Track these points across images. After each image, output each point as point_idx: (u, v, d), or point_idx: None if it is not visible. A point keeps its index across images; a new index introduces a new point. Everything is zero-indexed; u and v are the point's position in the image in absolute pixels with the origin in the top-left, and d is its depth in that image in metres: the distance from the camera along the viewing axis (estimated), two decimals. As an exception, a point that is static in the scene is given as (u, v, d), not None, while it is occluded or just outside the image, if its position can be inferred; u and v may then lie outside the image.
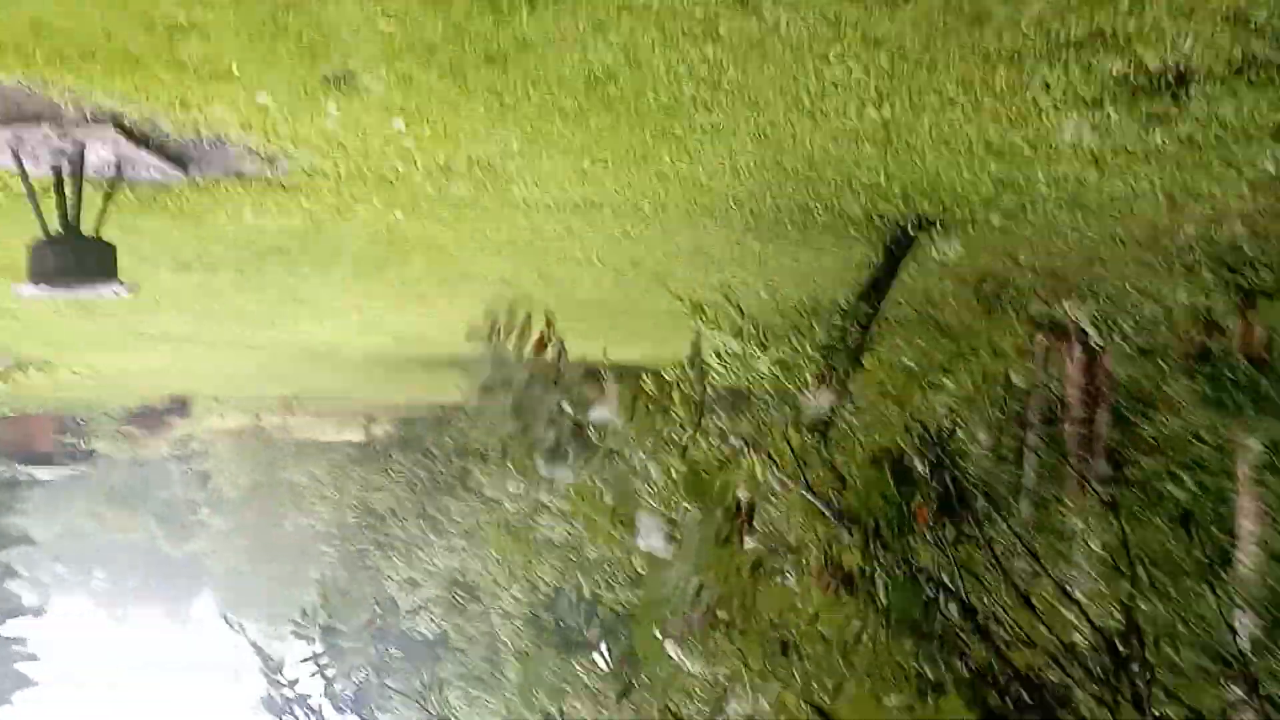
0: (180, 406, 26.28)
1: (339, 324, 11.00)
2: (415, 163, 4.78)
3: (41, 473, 27.71)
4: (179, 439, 35.99)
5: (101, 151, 4.38)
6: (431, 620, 15.53)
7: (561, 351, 2.53)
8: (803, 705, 2.41)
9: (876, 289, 5.51)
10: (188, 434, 35.61)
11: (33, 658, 30.48)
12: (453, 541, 13.60)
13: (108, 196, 4.64)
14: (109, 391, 20.33)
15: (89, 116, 4.06)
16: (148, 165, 4.55)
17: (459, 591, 15.06)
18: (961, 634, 2.41)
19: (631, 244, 6.69)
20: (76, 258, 4.37)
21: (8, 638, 30.35)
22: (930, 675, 2.32)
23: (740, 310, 5.55)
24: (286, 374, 18.41)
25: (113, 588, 61.78)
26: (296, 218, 5.84)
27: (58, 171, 4.52)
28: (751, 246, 6.52)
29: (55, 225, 4.50)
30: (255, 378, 19.03)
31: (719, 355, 11.50)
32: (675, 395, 3.03)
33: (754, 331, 5.72)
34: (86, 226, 4.58)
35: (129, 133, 4.19)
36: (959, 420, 7.82)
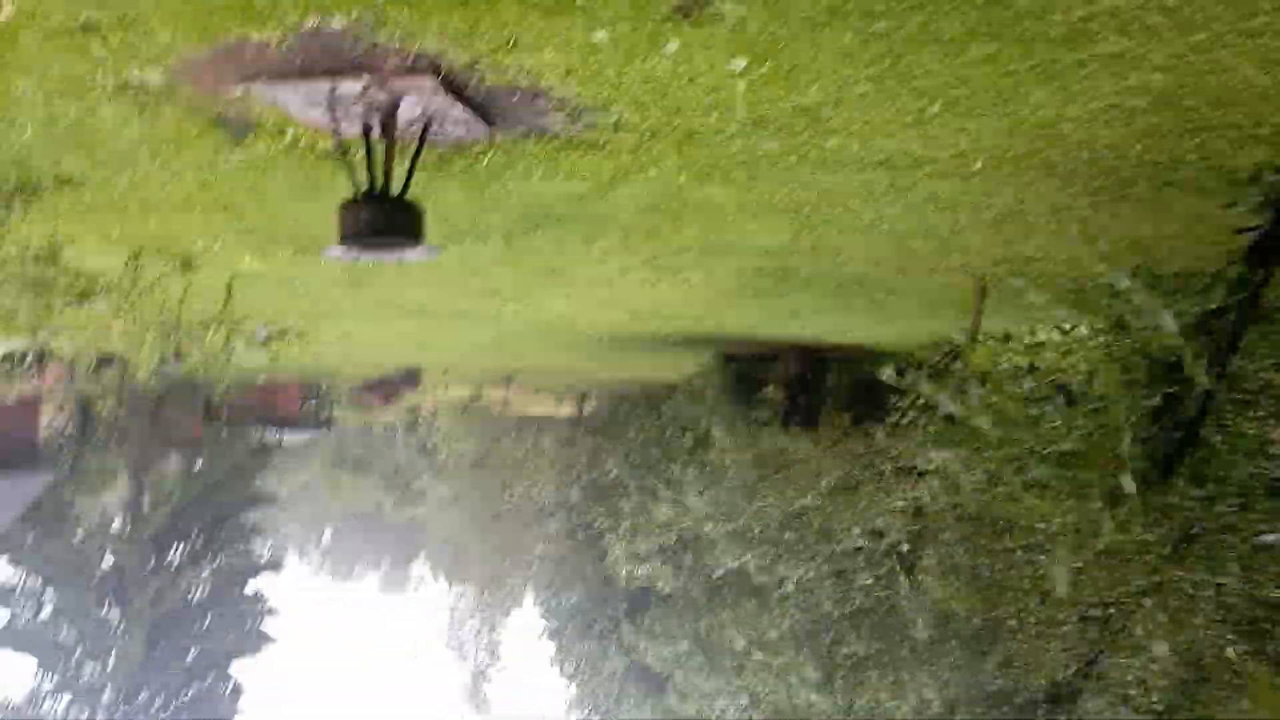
0: (412, 377, 27.43)
1: (584, 298, 10.83)
2: (733, 113, 4.31)
3: (287, 437, 29.70)
4: (407, 409, 37.90)
5: (414, 106, 4.13)
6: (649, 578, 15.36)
7: None
8: None
9: (1258, 256, 4.62)
10: (415, 404, 37.44)
11: (272, 612, 32.77)
12: (680, 511, 13.28)
13: (415, 157, 4.41)
14: (352, 362, 21.33)
15: (409, 64, 3.80)
16: (456, 120, 4.28)
17: (678, 553, 14.82)
18: None
19: (934, 210, 6.01)
20: (387, 218, 4.15)
21: (250, 595, 32.70)
22: None
23: (1113, 290, 4.73)
24: (516, 349, 18.71)
25: (340, 548, 66.26)
26: (584, 181, 5.51)
27: (367, 129, 4.31)
28: (1079, 210, 5.70)
29: (364, 185, 4.31)
30: (486, 352, 19.46)
31: (1004, 336, 10.55)
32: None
33: (1114, 306, 4.91)
34: (394, 188, 4.36)
35: (447, 83, 3.91)
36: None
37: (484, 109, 4.28)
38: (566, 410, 36.68)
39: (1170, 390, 4.64)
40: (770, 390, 19.43)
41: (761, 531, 8.41)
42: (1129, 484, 3.95)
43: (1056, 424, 4.45)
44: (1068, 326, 9.13)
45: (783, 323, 12.45)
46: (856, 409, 18.65)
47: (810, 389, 17.57)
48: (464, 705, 41.40)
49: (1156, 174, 4.85)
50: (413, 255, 4.44)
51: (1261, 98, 3.76)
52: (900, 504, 7.64)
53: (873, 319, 11.38)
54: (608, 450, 16.98)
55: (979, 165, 4.92)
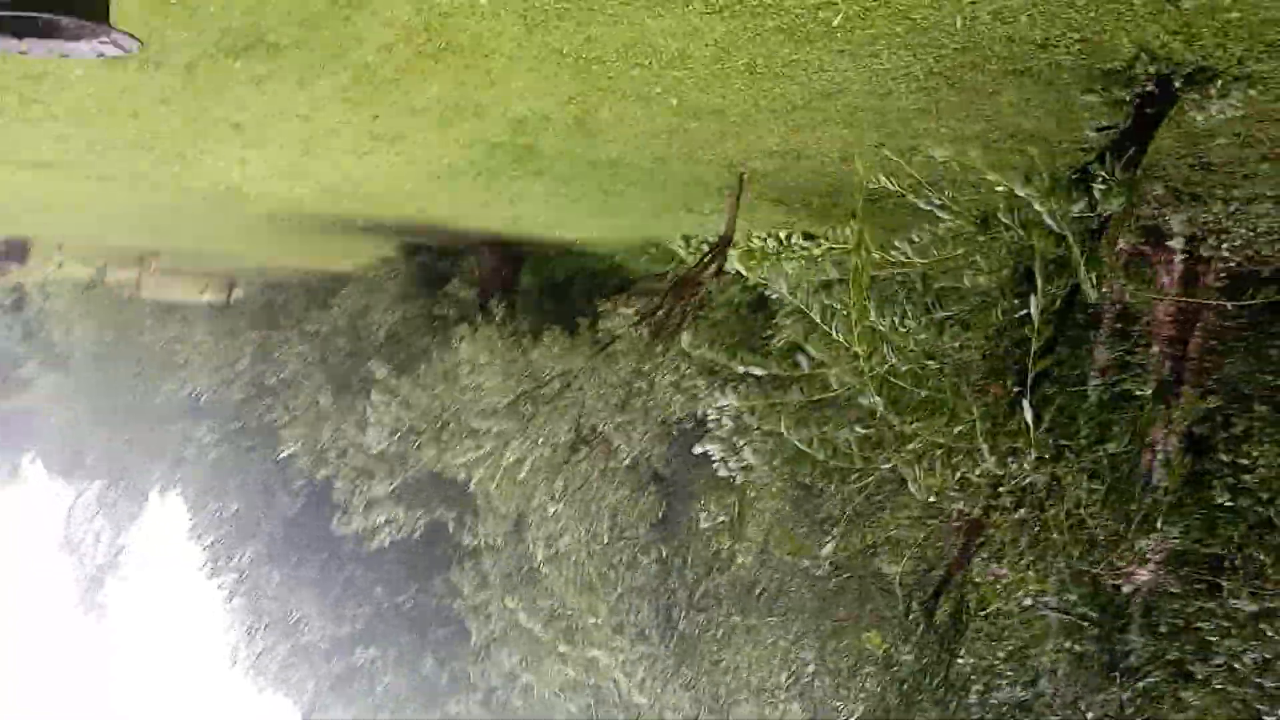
0: (18, 249, 23.07)
1: (268, 164, 9.02)
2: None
3: None
4: (9, 287, 32.34)
5: None
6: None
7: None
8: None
9: (1118, 158, 4.21)
10: (19, 282, 32.01)
11: None
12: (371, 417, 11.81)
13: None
14: (-61, 226, 17.24)
15: None
16: None
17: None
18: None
19: (745, 81, 5.15)
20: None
21: None
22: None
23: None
24: (164, 223, 15.99)
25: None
26: (328, -13, 4.07)
27: None
28: (904, 96, 5.10)
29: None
30: (121, 224, 16.52)
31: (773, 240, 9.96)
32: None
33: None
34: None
35: None
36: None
37: None
38: (209, 296, 32.92)
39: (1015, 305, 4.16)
40: (456, 286, 18.16)
41: (550, 458, 7.28)
42: (1028, 413, 3.39)
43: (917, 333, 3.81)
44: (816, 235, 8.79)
45: (496, 212, 11.26)
46: (548, 311, 17.92)
47: (505, 287, 16.56)
48: (77, 610, 37.07)
49: (1016, 55, 4.28)
50: (85, 49, 2.87)
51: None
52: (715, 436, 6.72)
53: (598, 214, 10.51)
54: (278, 344, 14.95)
55: (837, 21, 4.10)
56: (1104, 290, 4.18)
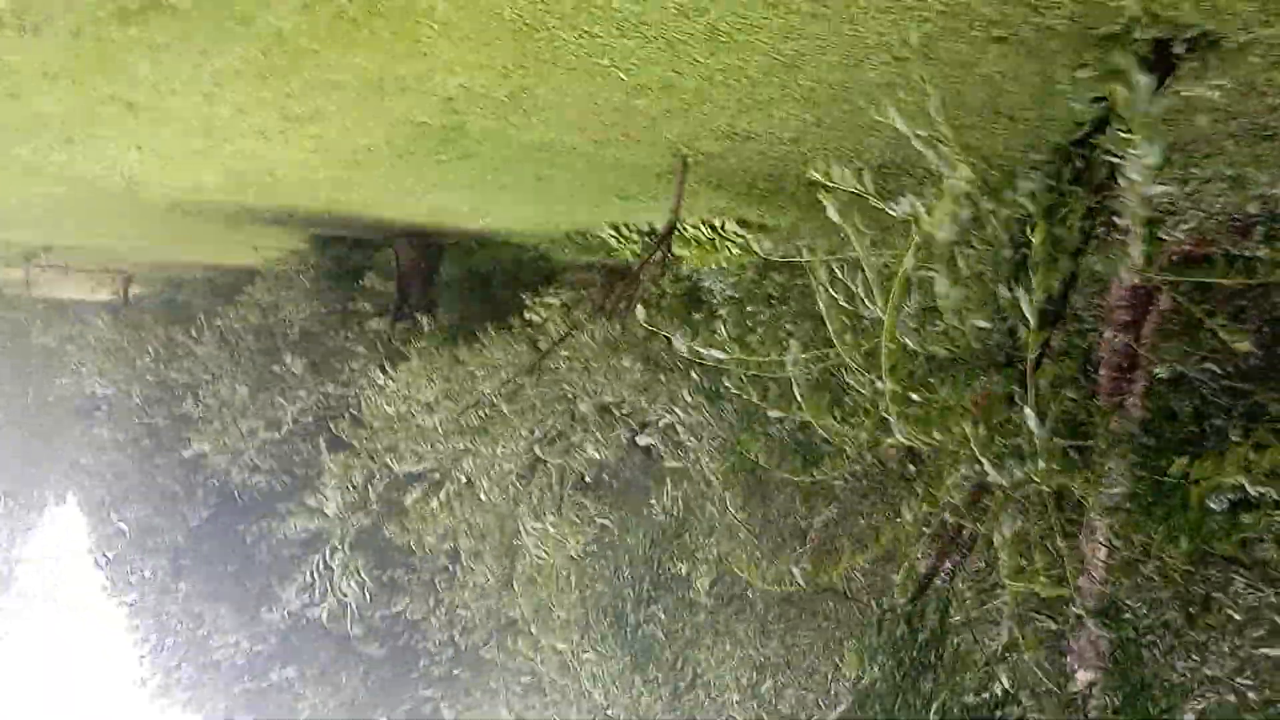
0: (-109, 249, 21.44)
1: (168, 149, 8.29)
2: None
3: None
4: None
5: None
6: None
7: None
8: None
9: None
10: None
11: None
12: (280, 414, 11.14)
13: None
14: None
15: None
16: None
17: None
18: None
19: (708, 49, 4.74)
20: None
21: None
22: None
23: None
24: (49, 217, 14.90)
25: None
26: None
27: None
28: (871, 72, 4.75)
29: None
30: (5, 219, 15.36)
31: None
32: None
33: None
34: None
35: None
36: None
37: None
38: (105, 294, 31.35)
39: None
40: (373, 280, 17.40)
41: (505, 474, 6.71)
42: (1034, 424, 3.05)
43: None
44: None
45: (418, 200, 10.66)
46: (472, 306, 17.29)
47: (425, 281, 15.92)
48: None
49: (1006, 19, 3.96)
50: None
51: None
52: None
53: (528, 201, 9.99)
54: (182, 342, 14.05)
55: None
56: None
